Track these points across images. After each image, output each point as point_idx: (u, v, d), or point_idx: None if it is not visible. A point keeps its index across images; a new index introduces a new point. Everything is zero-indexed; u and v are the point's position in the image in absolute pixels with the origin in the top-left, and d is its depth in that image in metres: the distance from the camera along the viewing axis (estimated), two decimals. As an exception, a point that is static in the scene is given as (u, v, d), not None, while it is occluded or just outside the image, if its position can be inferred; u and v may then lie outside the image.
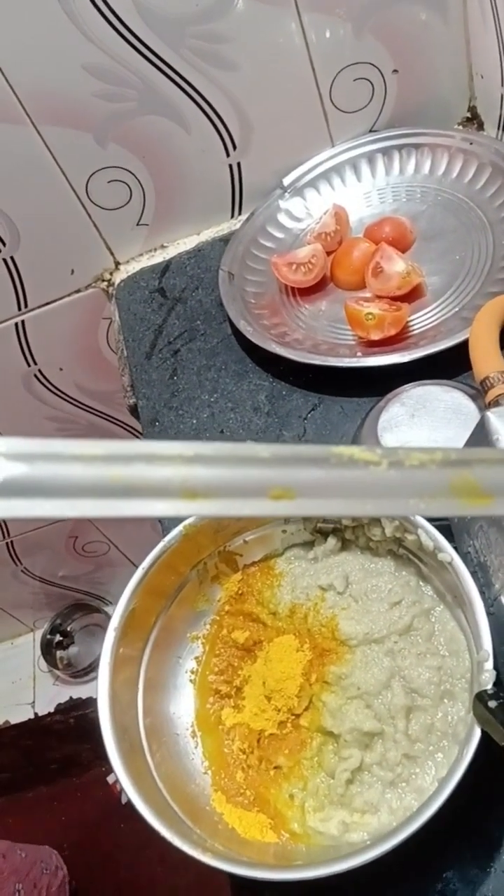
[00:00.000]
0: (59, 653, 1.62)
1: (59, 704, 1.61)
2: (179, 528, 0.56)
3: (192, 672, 0.58)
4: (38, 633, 1.67)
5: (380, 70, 0.82)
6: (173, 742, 0.55)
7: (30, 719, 1.61)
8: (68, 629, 1.63)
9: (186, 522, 0.56)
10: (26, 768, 1.68)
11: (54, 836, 1.61)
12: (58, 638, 1.62)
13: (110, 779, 1.62)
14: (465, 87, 0.86)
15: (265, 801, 0.51)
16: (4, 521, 1.31)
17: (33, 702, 1.63)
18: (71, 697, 1.60)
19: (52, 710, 1.60)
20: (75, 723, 1.60)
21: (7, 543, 1.39)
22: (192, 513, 0.19)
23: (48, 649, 1.62)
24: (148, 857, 1.50)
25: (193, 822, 0.49)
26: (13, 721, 1.61)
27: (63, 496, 0.18)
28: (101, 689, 0.52)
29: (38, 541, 1.41)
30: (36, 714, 1.61)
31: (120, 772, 0.49)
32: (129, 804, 0.47)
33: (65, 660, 1.61)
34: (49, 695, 1.62)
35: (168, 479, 0.19)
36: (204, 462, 0.19)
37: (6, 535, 1.36)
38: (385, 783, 0.50)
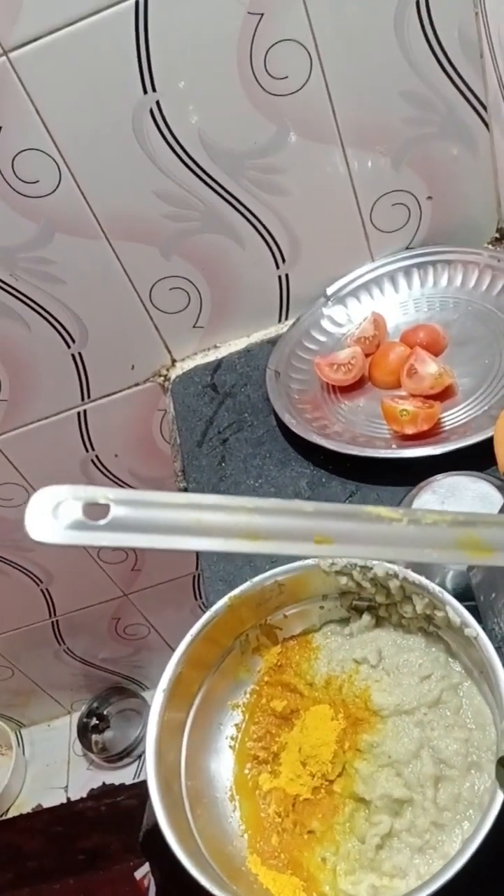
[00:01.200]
0: (94, 736, 1.63)
1: (92, 790, 1.61)
2: (225, 599, 0.61)
3: (232, 738, 0.61)
4: (75, 716, 1.68)
5: (416, 197, 0.91)
6: (213, 804, 0.58)
7: (62, 804, 1.61)
8: (105, 713, 1.64)
9: (232, 594, 0.61)
10: (55, 857, 1.66)
11: (78, 932, 1.58)
12: (94, 721, 1.64)
13: (138, 874, 1.59)
14: (494, 211, 0.95)
15: (298, 864, 0.54)
16: (51, 597, 1.37)
17: (66, 786, 1.63)
18: (104, 783, 1.60)
19: (84, 795, 1.60)
20: (107, 810, 1.60)
21: (53, 622, 1.44)
22: (254, 551, 0.25)
23: (84, 732, 1.63)
24: None
25: (230, 880, 0.52)
26: (45, 804, 1.61)
27: (155, 532, 0.24)
28: (148, 746, 0.55)
29: (82, 621, 1.45)
30: (69, 799, 1.61)
31: (164, 824, 0.52)
32: None
33: (100, 744, 1.62)
34: (83, 779, 1.63)
35: (235, 523, 0.25)
36: (261, 512, 0.25)
37: (52, 613, 1.41)
38: (414, 849, 0.52)
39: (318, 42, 0.77)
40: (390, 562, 0.60)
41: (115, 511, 0.25)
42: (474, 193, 0.92)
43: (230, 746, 0.61)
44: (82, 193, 0.84)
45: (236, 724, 0.62)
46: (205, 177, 0.85)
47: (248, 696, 0.63)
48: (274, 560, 0.63)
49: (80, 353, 0.99)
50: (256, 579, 0.61)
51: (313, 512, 0.26)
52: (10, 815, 1.63)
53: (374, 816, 0.54)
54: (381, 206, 0.91)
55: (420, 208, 0.92)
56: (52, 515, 0.25)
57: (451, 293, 0.93)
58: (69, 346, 0.98)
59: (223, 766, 0.60)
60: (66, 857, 1.65)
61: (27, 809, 1.63)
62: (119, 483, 1.19)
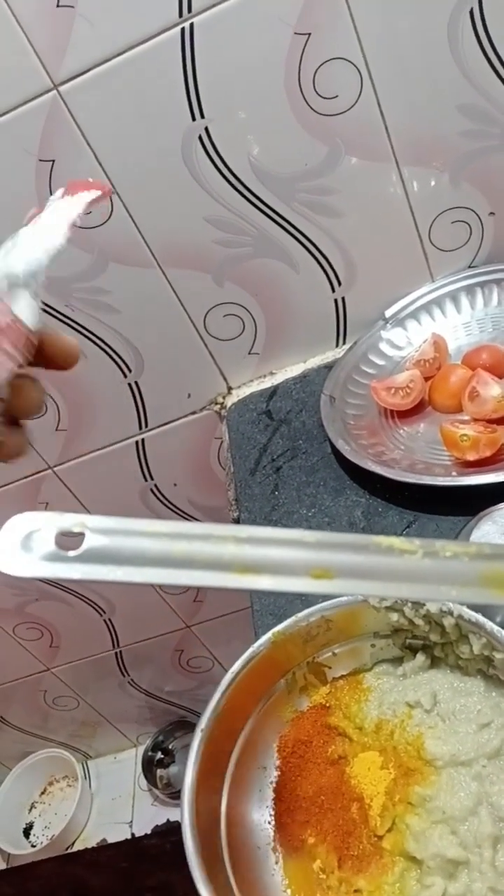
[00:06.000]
0: (159, 771, 1.61)
1: (157, 826, 1.58)
2: (268, 635, 0.58)
3: (276, 782, 0.58)
4: (140, 749, 1.67)
5: (476, 213, 0.87)
6: (254, 855, 0.55)
7: (127, 840, 1.59)
8: (170, 747, 1.62)
9: (276, 630, 0.58)
10: (120, 894, 1.63)
11: None
12: (159, 755, 1.62)
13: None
14: None
15: (344, 927, 0.50)
16: (114, 628, 1.36)
17: (131, 821, 1.61)
18: (168, 820, 1.57)
19: (148, 831, 1.58)
20: (171, 848, 1.56)
21: (116, 653, 1.43)
22: (243, 586, 0.22)
23: (149, 767, 1.61)
24: None
25: (269, 942, 0.48)
26: (110, 839, 1.59)
27: (134, 565, 0.22)
28: (185, 792, 0.53)
29: (145, 653, 1.44)
30: (133, 834, 1.59)
31: (198, 879, 0.49)
32: None
33: (164, 779, 1.59)
34: (147, 815, 1.60)
35: (221, 555, 0.22)
36: (254, 543, 0.22)
37: (116, 644, 1.40)
38: (470, 918, 0.47)
39: (368, 58, 0.75)
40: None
41: (91, 541, 0.23)
42: (540, 208, 0.88)
43: (274, 791, 0.58)
44: (134, 223, 0.84)
45: (279, 767, 0.58)
46: (256, 201, 0.83)
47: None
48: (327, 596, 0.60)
49: (136, 383, 0.99)
50: (301, 614, 0.58)
51: (314, 542, 0.23)
52: (76, 847, 1.61)
53: (426, 878, 0.49)
54: (440, 225, 0.88)
55: (482, 225, 0.88)
56: (24, 546, 0.23)
57: (517, 312, 0.88)
58: (125, 376, 0.98)
59: (266, 813, 0.57)
60: (131, 894, 1.63)
61: (92, 843, 1.61)
62: (179, 513, 1.18)
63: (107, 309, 0.91)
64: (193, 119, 0.78)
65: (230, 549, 0.22)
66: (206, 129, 0.79)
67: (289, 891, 0.53)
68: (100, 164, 0.80)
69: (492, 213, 0.88)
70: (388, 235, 0.88)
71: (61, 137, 0.78)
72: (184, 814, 0.52)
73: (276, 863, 0.54)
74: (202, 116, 0.78)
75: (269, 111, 0.78)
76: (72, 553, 0.22)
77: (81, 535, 0.23)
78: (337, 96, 0.78)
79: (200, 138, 0.79)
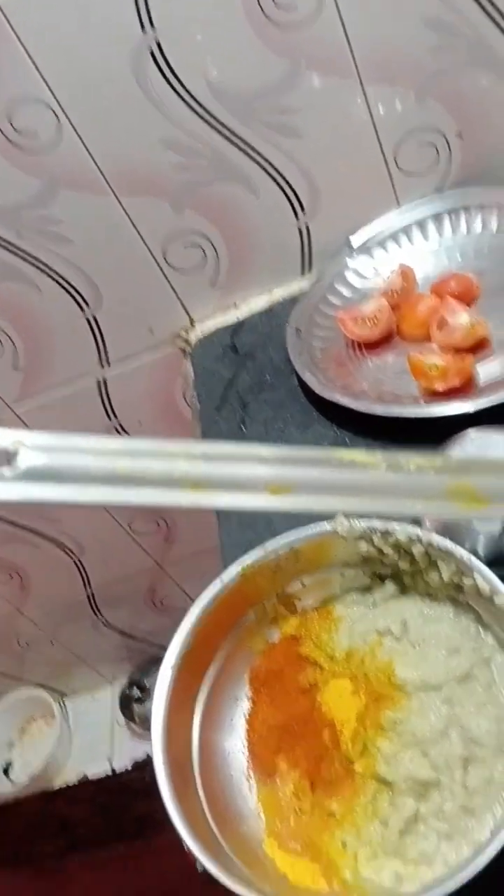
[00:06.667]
0: (136, 707, 1.63)
1: (136, 762, 1.61)
2: (237, 568, 0.58)
3: (249, 712, 0.58)
4: (117, 687, 1.69)
5: (444, 134, 0.84)
6: (227, 783, 0.55)
7: (108, 775, 1.62)
8: (146, 684, 1.64)
9: (244, 563, 0.58)
10: (104, 826, 1.67)
11: (129, 896, 1.59)
12: (136, 692, 1.64)
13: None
14: (532, 145, 0.87)
15: (317, 848, 0.51)
16: (84, 569, 1.35)
17: (111, 757, 1.64)
18: (147, 754, 1.60)
19: (129, 766, 1.61)
20: (151, 780, 1.59)
21: (88, 595, 1.43)
22: (195, 504, 0.20)
23: (126, 704, 1.63)
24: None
25: (244, 864, 0.49)
26: (90, 775, 1.62)
27: (76, 483, 0.20)
28: (154, 725, 0.52)
29: (118, 593, 1.44)
30: (113, 769, 1.61)
31: (171, 809, 0.49)
32: (206, 871, 0.46)
33: (142, 715, 1.61)
34: (126, 750, 1.63)
35: (170, 472, 0.20)
36: (207, 459, 0.21)
37: (87, 585, 1.40)
38: (441, 835, 0.48)
39: (329, -37, 0.71)
40: (414, 524, 0.55)
41: (29, 459, 0.21)
42: (507, 128, 0.85)
43: (246, 722, 0.58)
44: (85, 146, 0.80)
45: (251, 698, 0.58)
46: (213, 121, 0.79)
47: (265, 669, 0.60)
48: (296, 526, 0.59)
49: (94, 317, 0.96)
50: (269, 546, 0.58)
51: (271, 457, 0.22)
52: (57, 785, 1.64)
53: (398, 799, 0.50)
54: (406, 146, 0.85)
55: (449, 147, 0.85)
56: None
57: (486, 239, 0.86)
58: (83, 310, 0.95)
59: (239, 741, 0.57)
60: (114, 826, 1.67)
61: (73, 779, 1.64)
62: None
63: (59, 239, 0.87)
64: (143, 29, 0.73)
65: (181, 466, 0.21)
66: (158, 43, 0.74)
67: (262, 816, 0.54)
68: (44, 80, 0.75)
69: (459, 134, 0.85)
70: (352, 158, 0.85)
71: (0, 55, 0.73)
72: (155, 746, 0.51)
73: (250, 790, 0.55)
74: (152, 26, 0.73)
75: (224, 22, 0.73)
76: (7, 472, 0.20)
77: (17, 453, 0.21)
78: (296, 7, 0.73)
79: (152, 53, 0.74)
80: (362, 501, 0.22)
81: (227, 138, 0.81)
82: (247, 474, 0.21)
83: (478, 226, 0.87)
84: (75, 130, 0.78)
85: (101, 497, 0.20)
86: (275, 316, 0.93)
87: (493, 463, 0.22)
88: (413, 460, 0.22)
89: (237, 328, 0.95)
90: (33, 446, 0.20)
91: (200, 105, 0.78)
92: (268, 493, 0.21)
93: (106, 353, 1.00)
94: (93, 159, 0.81)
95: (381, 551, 0.56)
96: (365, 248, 0.91)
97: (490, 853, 0.41)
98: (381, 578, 0.59)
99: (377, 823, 0.50)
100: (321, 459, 0.22)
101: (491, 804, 0.48)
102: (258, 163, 0.83)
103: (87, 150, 0.80)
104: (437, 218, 0.89)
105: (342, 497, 0.22)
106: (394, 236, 0.91)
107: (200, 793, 0.53)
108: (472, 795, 0.48)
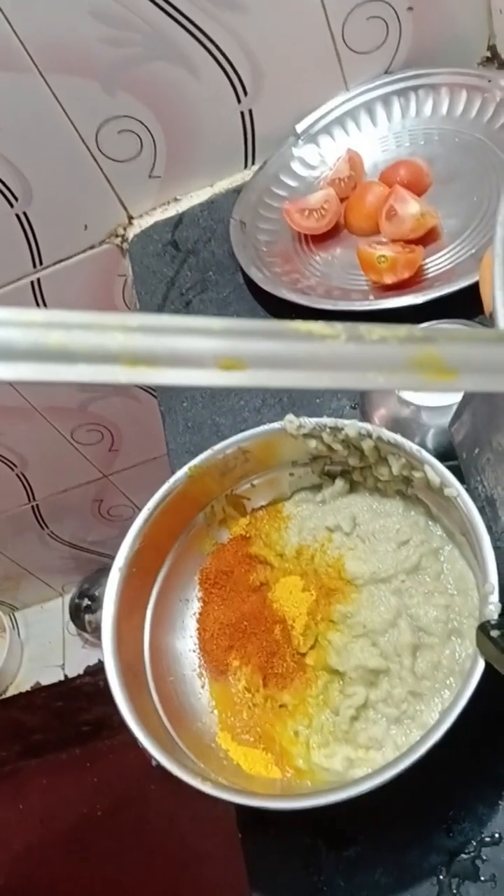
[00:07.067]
0: (87, 616, 1.64)
1: (89, 667, 1.63)
2: (184, 469, 0.56)
3: (199, 613, 0.58)
4: (67, 598, 1.69)
5: (393, 7, 0.79)
6: (180, 681, 0.55)
7: (60, 681, 1.64)
8: (96, 593, 1.65)
9: (192, 464, 0.56)
10: (58, 730, 1.71)
11: (88, 797, 1.64)
12: (86, 602, 1.64)
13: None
14: (485, 25, 0.83)
15: (270, 739, 0.51)
16: (27, 481, 1.32)
17: (63, 664, 1.65)
18: (100, 660, 1.62)
19: (81, 672, 1.63)
20: (104, 685, 1.62)
21: (33, 507, 1.40)
22: (133, 380, 0.18)
23: (76, 613, 1.64)
24: (181, 820, 1.52)
25: (198, 758, 0.49)
26: (44, 683, 1.64)
27: (2, 359, 0.18)
28: (105, 627, 0.52)
29: (63, 504, 1.42)
30: (66, 676, 1.63)
31: (123, 707, 0.49)
32: (160, 766, 0.46)
33: (93, 623, 1.63)
34: (78, 658, 1.65)
35: (107, 346, 0.18)
36: (146, 331, 0.19)
37: (31, 498, 1.37)
38: (390, 720, 0.49)
39: None
40: (363, 420, 0.54)
41: None
42: (462, 1, 0.80)
43: (197, 622, 0.58)
44: (4, 15, 0.72)
45: (202, 598, 0.58)
46: (145, -13, 0.72)
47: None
48: (244, 428, 0.57)
49: (24, 213, 0.89)
50: (217, 447, 0.56)
51: (221, 330, 0.19)
52: (10, 693, 1.66)
53: (348, 688, 0.51)
54: (354, 21, 0.79)
55: (399, 22, 0.80)
56: None
57: (436, 123, 0.82)
58: (11, 205, 0.88)
59: (190, 641, 0.57)
60: (70, 730, 1.71)
61: (26, 688, 1.66)
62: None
63: (-18, 125, 0.80)
64: None
65: (118, 339, 0.18)
66: None
67: (215, 711, 0.54)
68: None
69: (410, 8, 0.79)
70: (297, 35, 0.79)
71: None
72: (106, 649, 0.51)
73: (203, 687, 0.55)
74: None
75: None
76: None
77: None
78: None
79: None
80: (321, 375, 0.20)
81: (163, 10, 0.74)
82: (194, 347, 0.19)
83: (427, 109, 0.83)
84: (-9, -5, 0.71)
85: (31, 374, 0.18)
86: (217, 209, 0.89)
87: (462, 332, 0.21)
88: (375, 330, 0.20)
89: (177, 223, 0.90)
90: None
91: (130, -33, 0.71)
92: (217, 369, 0.19)
93: (39, 252, 0.94)
94: (14, 31, 0.73)
95: (330, 448, 0.55)
96: (311, 136, 0.86)
97: (437, 734, 0.42)
98: (331, 476, 0.58)
99: (328, 712, 0.51)
100: (276, 331, 0.20)
101: (439, 688, 0.49)
102: (198, 39, 0.77)
103: (7, 20, 0.72)
104: (386, 101, 0.85)
105: (299, 371, 0.20)
106: (341, 121, 0.86)
107: (153, 693, 0.53)
108: (420, 681, 0.49)
